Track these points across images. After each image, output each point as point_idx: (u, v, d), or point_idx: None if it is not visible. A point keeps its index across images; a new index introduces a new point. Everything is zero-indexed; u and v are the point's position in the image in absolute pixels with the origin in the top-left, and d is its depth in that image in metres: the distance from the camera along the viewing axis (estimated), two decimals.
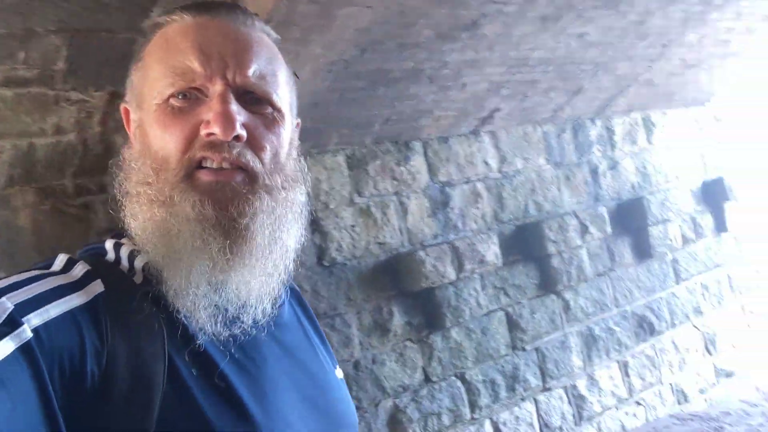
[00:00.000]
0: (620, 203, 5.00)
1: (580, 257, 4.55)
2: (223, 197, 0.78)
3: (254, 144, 0.81)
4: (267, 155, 0.83)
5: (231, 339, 0.80)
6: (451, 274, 3.83)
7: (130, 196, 0.83)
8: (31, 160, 3.13)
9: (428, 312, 3.86)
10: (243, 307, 0.82)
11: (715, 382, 5.35)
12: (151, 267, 0.81)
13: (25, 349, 0.63)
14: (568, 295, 4.52)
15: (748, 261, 5.84)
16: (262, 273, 0.82)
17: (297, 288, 1.10)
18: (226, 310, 0.80)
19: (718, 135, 5.95)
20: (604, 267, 4.79)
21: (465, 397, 3.94)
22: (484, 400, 4.01)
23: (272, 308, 0.86)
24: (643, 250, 5.00)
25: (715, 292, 5.50)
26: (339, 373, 1.04)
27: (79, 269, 0.77)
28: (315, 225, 3.64)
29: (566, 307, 4.51)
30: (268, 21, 2.64)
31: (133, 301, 0.75)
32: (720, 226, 5.64)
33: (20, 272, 0.75)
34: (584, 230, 4.49)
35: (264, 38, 0.89)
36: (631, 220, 4.92)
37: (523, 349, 4.27)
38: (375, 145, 3.90)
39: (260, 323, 0.84)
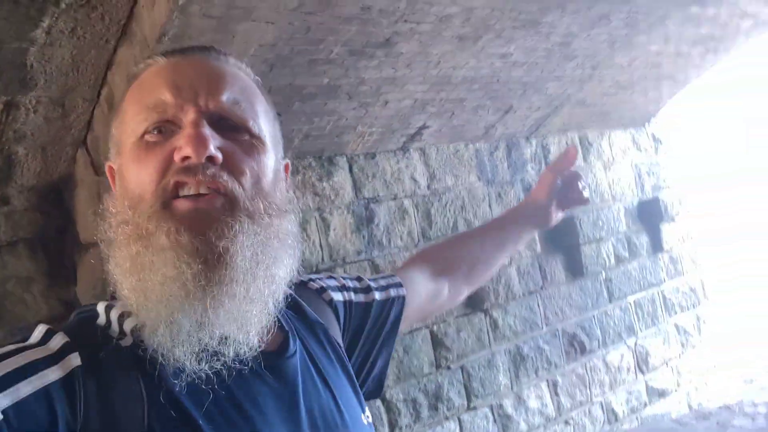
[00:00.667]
0: None
1: (509, 275, 4.55)
2: (201, 224, 0.74)
3: (232, 168, 0.78)
4: (247, 180, 0.79)
5: (213, 377, 0.75)
6: None
7: (112, 242, 0.79)
8: None
9: None
10: (224, 339, 0.76)
11: (647, 402, 5.38)
12: (140, 328, 0.77)
13: None
14: (496, 314, 4.51)
15: (686, 278, 5.91)
16: (245, 300, 0.76)
17: (320, 321, 1.01)
18: (206, 345, 0.75)
19: (657, 154, 6.02)
20: (536, 285, 4.80)
21: (384, 417, 3.90)
22: (404, 420, 3.97)
23: (260, 342, 0.81)
24: (575, 269, 5.02)
25: (649, 311, 5.54)
26: (368, 416, 0.96)
27: (57, 341, 0.74)
28: None
29: (494, 326, 4.50)
30: (162, 35, 2.61)
31: (113, 369, 0.73)
32: (656, 246, 5.69)
33: None
34: None
35: (238, 73, 0.87)
36: (563, 238, 4.94)
37: (448, 368, 4.24)
38: (296, 160, 3.87)
39: (246, 358, 0.79)
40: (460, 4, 3.16)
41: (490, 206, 4.68)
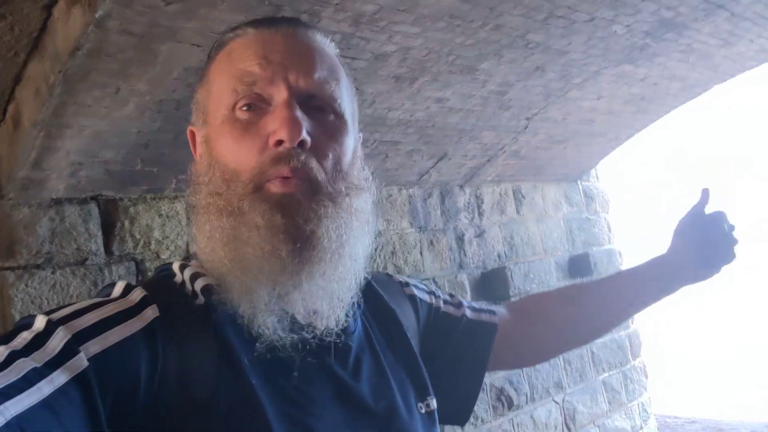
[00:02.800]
0: (485, 272, 4.95)
1: None
2: (290, 207, 0.78)
3: (318, 151, 0.82)
4: (329, 163, 0.83)
5: (298, 352, 0.80)
6: None
7: (199, 208, 0.84)
8: None
9: None
10: (314, 314, 0.83)
11: None
12: (211, 288, 0.82)
13: (79, 379, 0.66)
14: None
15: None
16: (332, 279, 0.82)
17: (391, 307, 1.02)
18: (294, 317, 0.81)
19: (588, 210, 6.10)
20: None
21: None
22: None
23: (345, 319, 0.85)
24: None
25: (577, 366, 5.50)
26: (428, 404, 0.95)
27: (137, 294, 0.79)
28: (141, 276, 3.34)
29: None
30: (76, 49, 2.43)
31: (189, 325, 0.78)
32: None
33: (81, 301, 0.77)
34: None
35: (325, 49, 0.89)
36: (494, 289, 4.87)
37: None
38: None
39: (332, 332, 0.83)
40: (396, 43, 3.10)
41: (421, 253, 4.58)
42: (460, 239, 4.89)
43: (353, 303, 0.92)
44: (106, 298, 0.79)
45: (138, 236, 3.36)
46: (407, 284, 1.13)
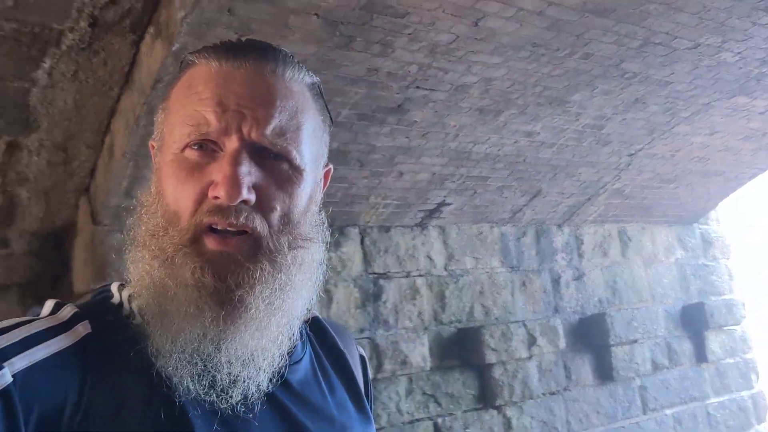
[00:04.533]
0: (583, 317, 4.65)
1: (527, 371, 4.18)
2: (224, 267, 0.75)
3: (263, 205, 0.79)
4: (275, 216, 0.80)
5: (219, 406, 0.77)
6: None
7: (137, 243, 0.82)
8: None
9: None
10: (234, 380, 0.78)
11: None
12: (143, 312, 0.80)
13: (2, 394, 0.64)
14: (510, 412, 4.12)
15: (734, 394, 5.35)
16: (257, 346, 0.79)
17: (342, 349, 1.00)
18: (214, 378, 0.77)
19: (707, 256, 5.62)
20: (558, 385, 4.40)
21: None
22: None
23: (269, 383, 0.81)
24: (604, 372, 4.60)
25: (690, 426, 5.00)
26: None
27: (67, 311, 0.77)
28: None
29: (507, 425, 4.10)
30: (157, 82, 2.55)
31: (123, 343, 0.75)
32: (700, 356, 5.20)
33: (8, 319, 0.75)
34: (532, 341, 4.14)
35: (293, 87, 0.84)
36: (591, 336, 4.56)
37: None
38: None
39: (252, 396, 0.79)
40: (477, 73, 3.02)
41: (512, 294, 4.38)
42: (556, 281, 4.64)
43: (301, 335, 0.91)
44: (35, 316, 0.77)
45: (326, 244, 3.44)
46: (357, 342, 1.09)
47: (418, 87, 3.01)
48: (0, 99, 2.70)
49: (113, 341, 0.76)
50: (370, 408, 1.01)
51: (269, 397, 0.82)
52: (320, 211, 0.91)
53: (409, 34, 2.64)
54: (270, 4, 2.31)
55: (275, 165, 0.81)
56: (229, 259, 0.76)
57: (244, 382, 0.79)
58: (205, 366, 0.76)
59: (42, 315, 0.77)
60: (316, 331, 0.99)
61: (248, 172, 0.77)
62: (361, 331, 3.74)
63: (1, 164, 3.00)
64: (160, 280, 0.77)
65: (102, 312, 0.80)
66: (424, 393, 3.84)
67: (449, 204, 4.05)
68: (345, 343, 1.03)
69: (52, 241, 3.53)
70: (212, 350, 0.76)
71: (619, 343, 4.57)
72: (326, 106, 0.92)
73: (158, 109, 0.89)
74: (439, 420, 3.86)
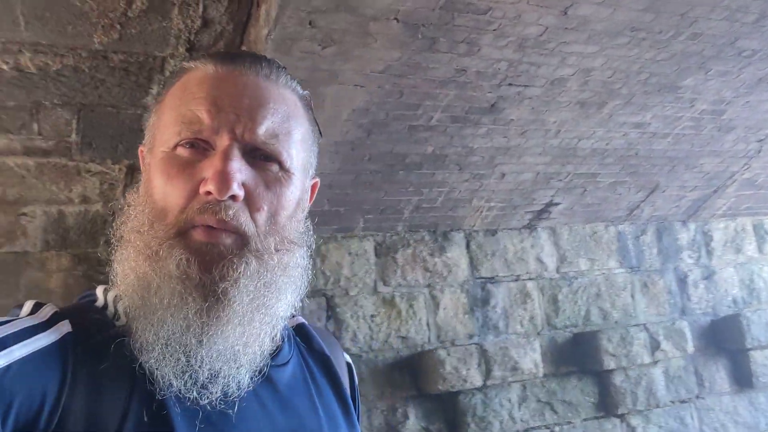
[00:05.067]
0: (715, 319, 4.30)
1: (651, 377, 3.92)
2: (210, 259, 0.75)
3: (251, 204, 0.79)
4: (263, 216, 0.80)
5: (201, 402, 0.77)
6: (476, 378, 3.45)
7: (123, 241, 0.82)
8: (62, 226, 3.33)
9: (450, 419, 3.48)
10: (215, 375, 0.77)
11: None
12: (128, 311, 0.81)
13: None
14: (635, 421, 3.88)
15: None
16: (239, 341, 0.78)
17: (328, 354, 1.01)
18: (196, 372, 0.76)
19: None
20: (688, 392, 4.09)
21: None
22: None
23: (251, 379, 0.80)
24: (743, 378, 4.22)
25: None
26: None
27: (47, 310, 0.77)
28: (330, 311, 3.48)
29: None
30: None
31: (105, 344, 0.75)
32: None
33: None
34: (655, 346, 3.88)
35: (285, 94, 0.85)
36: (724, 340, 4.20)
37: None
38: (408, 233, 3.72)
39: (233, 394, 0.79)
40: (572, 65, 2.89)
41: (632, 296, 4.14)
42: (682, 281, 4.33)
43: (287, 337, 0.90)
44: (14, 317, 0.76)
45: (328, 273, 3.52)
46: (342, 348, 1.07)
47: (510, 84, 2.93)
48: (118, 126, 2.95)
49: (94, 340, 0.75)
50: (357, 417, 0.99)
51: (253, 396, 0.81)
52: (306, 219, 0.91)
53: (494, 30, 2.58)
54: (349, 12, 2.34)
55: (265, 165, 0.81)
56: (215, 251, 0.76)
57: (225, 378, 0.78)
58: (188, 361, 0.76)
59: (21, 315, 0.77)
60: (303, 336, 0.99)
61: (239, 169, 0.77)
62: (470, 336, 3.68)
63: (124, 187, 3.26)
64: (144, 274, 0.77)
65: (84, 313, 0.80)
66: (539, 400, 3.70)
67: (558, 204, 3.90)
68: (331, 349, 1.02)
69: None
70: (195, 343, 0.76)
71: (758, 347, 4.17)
72: (315, 120, 0.92)
73: (150, 114, 0.90)
74: (557, 428, 3.71)
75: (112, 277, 0.82)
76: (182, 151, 0.79)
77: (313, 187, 0.95)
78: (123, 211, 0.84)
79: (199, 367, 0.76)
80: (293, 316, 0.94)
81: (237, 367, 0.79)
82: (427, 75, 2.76)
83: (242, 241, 0.78)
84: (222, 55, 0.85)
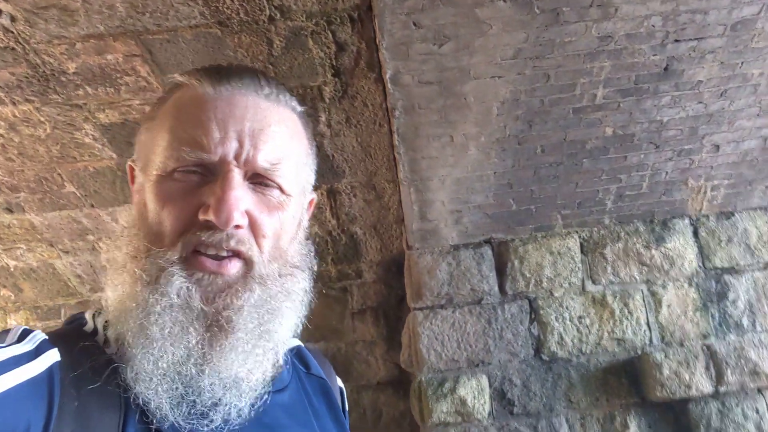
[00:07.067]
0: None
1: None
2: (213, 289, 0.75)
3: (256, 230, 0.79)
4: (268, 242, 0.80)
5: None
6: (703, 384, 2.97)
7: (117, 265, 0.80)
8: None
9: (678, 430, 3.06)
10: (216, 404, 0.76)
11: None
12: (121, 338, 0.78)
13: None
14: None
15: None
16: (242, 369, 0.77)
17: (325, 378, 1.02)
18: (194, 402, 0.75)
19: None
20: None
21: None
22: None
23: (251, 408, 0.79)
24: None
25: None
26: None
27: (35, 339, 0.75)
28: (534, 314, 3.36)
29: None
30: (393, 110, 2.78)
31: (94, 372, 0.73)
32: None
33: None
34: None
35: (284, 113, 0.84)
36: None
37: None
38: (618, 225, 3.40)
39: (232, 421, 0.78)
40: (752, 1, 2.40)
41: None
42: None
43: (286, 362, 0.90)
44: (0, 343, 0.73)
45: (528, 275, 3.41)
46: (336, 375, 1.06)
47: (677, 41, 2.54)
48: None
49: (83, 369, 0.72)
50: None
51: (253, 423, 0.79)
52: (307, 239, 0.90)
53: None
54: (449, 5, 2.33)
55: (266, 191, 0.80)
56: (219, 281, 0.75)
57: (226, 406, 0.76)
58: (186, 390, 0.74)
59: (8, 342, 0.74)
60: (301, 360, 0.98)
61: (241, 197, 0.76)
62: (704, 337, 3.18)
63: (331, 209, 3.63)
64: (144, 301, 0.74)
65: (73, 339, 0.76)
66: None
67: None
68: (327, 372, 1.01)
69: (394, 269, 4.03)
70: (195, 373, 0.74)
71: None
72: (313, 136, 0.91)
73: (141, 129, 0.86)
74: None
75: (103, 302, 0.80)
76: (180, 176, 0.77)
77: (311, 202, 0.94)
78: (114, 234, 0.84)
79: (198, 396, 0.74)
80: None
81: (239, 395, 0.77)
82: (567, 50, 2.56)
83: (247, 267, 0.77)
84: (217, 71, 0.82)
